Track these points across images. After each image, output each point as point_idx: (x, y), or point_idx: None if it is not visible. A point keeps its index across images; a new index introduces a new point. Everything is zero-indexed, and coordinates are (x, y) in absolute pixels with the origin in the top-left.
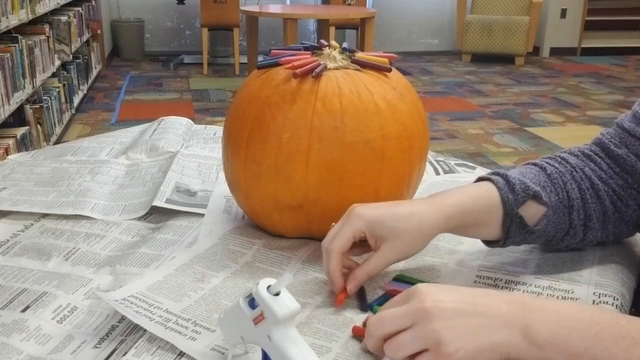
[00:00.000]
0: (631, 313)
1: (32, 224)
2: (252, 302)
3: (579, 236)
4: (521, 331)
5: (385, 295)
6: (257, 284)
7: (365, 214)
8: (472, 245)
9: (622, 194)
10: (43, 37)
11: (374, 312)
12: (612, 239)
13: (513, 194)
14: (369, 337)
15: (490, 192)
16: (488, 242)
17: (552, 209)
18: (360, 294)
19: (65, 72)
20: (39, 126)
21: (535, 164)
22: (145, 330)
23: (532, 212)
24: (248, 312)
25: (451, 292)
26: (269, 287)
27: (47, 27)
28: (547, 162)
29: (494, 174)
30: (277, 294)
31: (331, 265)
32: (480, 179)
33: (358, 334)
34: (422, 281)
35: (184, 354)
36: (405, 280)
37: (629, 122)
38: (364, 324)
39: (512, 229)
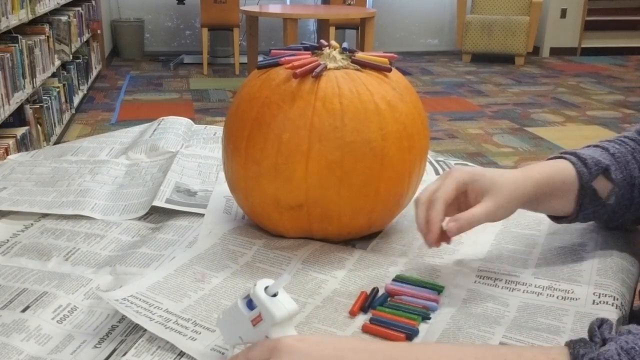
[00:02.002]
0: (631, 313)
1: (32, 224)
2: (250, 303)
3: (638, 212)
4: None
5: (386, 295)
6: (255, 285)
7: (466, 169)
8: (472, 245)
9: None
10: (43, 37)
11: (378, 311)
12: None
13: (586, 168)
14: None
15: (566, 167)
16: (557, 218)
17: (618, 185)
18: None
19: (65, 72)
20: (39, 126)
21: (597, 145)
22: (146, 330)
23: (601, 187)
24: (246, 313)
25: (310, 341)
26: (266, 288)
27: (47, 27)
28: (608, 143)
29: (564, 153)
30: (274, 295)
31: (434, 212)
32: (551, 159)
33: (367, 331)
34: (422, 281)
35: (184, 353)
36: (406, 280)
37: None
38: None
39: (585, 201)
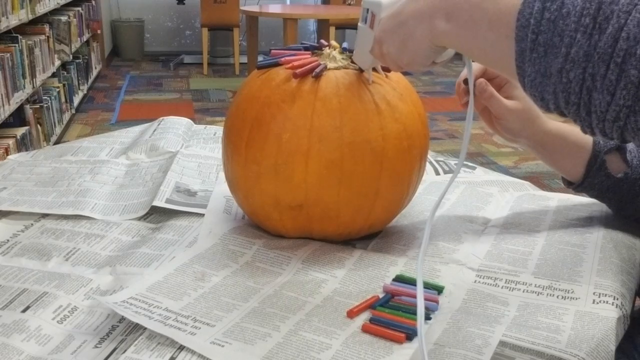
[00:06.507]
0: (632, 316)
1: (32, 224)
2: (365, 17)
3: None
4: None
5: (387, 295)
6: None
7: None
8: (472, 245)
9: None
10: (43, 37)
11: (378, 311)
12: None
13: (603, 140)
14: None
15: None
16: (568, 183)
17: (632, 169)
18: None
19: (65, 72)
20: (39, 126)
21: None
22: (146, 328)
23: (615, 163)
24: (362, 24)
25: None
26: None
27: (47, 27)
28: None
29: None
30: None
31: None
32: None
33: (367, 331)
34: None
35: (183, 348)
36: (406, 280)
37: None
38: None
39: (593, 169)
